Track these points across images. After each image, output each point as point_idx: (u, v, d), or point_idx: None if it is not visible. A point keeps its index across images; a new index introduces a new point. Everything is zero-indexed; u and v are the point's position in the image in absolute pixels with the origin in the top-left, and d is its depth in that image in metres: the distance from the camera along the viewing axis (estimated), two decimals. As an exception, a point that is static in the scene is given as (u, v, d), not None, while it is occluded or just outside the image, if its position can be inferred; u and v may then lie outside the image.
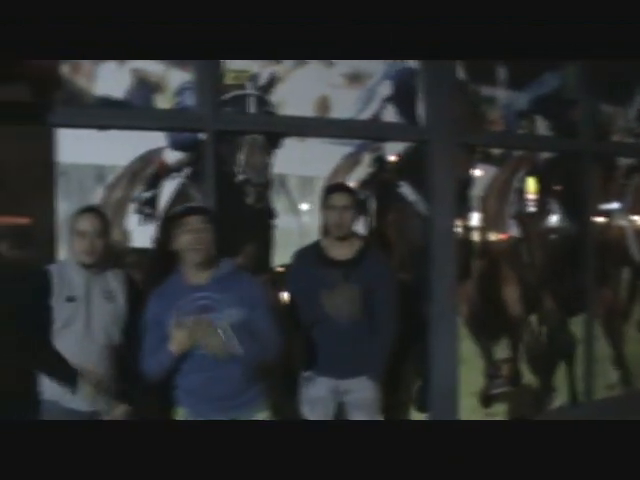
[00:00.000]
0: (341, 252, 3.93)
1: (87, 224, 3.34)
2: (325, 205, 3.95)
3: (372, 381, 3.93)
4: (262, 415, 3.49)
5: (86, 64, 4.68)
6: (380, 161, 5.62)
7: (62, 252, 3.74)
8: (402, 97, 5.43)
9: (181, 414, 3.50)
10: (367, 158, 5.65)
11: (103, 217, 3.42)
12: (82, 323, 3.29)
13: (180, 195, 4.90)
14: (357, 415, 3.92)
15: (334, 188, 4.08)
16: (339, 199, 3.91)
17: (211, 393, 3.38)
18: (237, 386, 3.41)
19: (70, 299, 3.29)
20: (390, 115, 5.50)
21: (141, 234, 4.85)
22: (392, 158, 5.61)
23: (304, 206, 5.66)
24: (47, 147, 3.98)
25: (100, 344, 3.33)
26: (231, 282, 3.39)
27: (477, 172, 5.69)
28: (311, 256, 3.93)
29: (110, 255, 3.42)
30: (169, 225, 3.40)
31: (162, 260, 3.51)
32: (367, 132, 5.39)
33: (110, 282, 3.43)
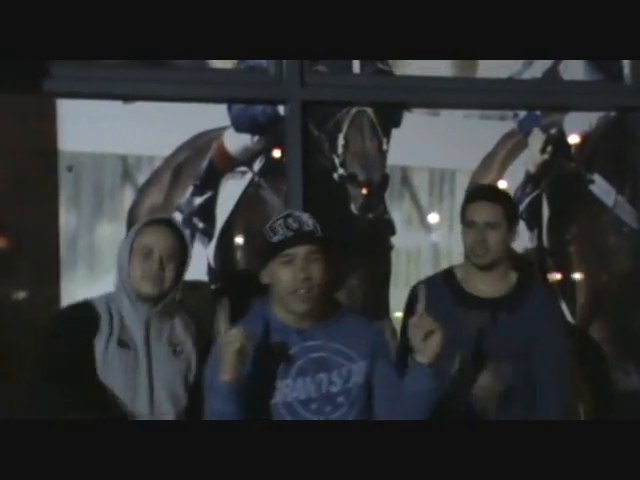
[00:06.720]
0: (486, 288, 3.47)
1: (156, 239, 3.08)
2: (463, 219, 3.51)
3: None
4: None
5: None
6: (558, 143, 4.79)
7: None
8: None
9: None
10: (537, 139, 4.78)
11: (180, 235, 3.13)
12: (143, 377, 3.02)
13: (249, 200, 4.42)
14: None
15: (475, 195, 3.62)
16: (481, 212, 3.45)
17: None
18: None
19: (122, 343, 3.03)
20: (573, 71, 4.69)
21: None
22: (577, 138, 4.79)
23: (436, 217, 4.92)
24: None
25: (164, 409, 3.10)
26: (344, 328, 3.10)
27: None
28: (442, 290, 3.49)
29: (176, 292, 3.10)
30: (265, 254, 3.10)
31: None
32: (537, 98, 4.60)
33: (177, 329, 3.15)
